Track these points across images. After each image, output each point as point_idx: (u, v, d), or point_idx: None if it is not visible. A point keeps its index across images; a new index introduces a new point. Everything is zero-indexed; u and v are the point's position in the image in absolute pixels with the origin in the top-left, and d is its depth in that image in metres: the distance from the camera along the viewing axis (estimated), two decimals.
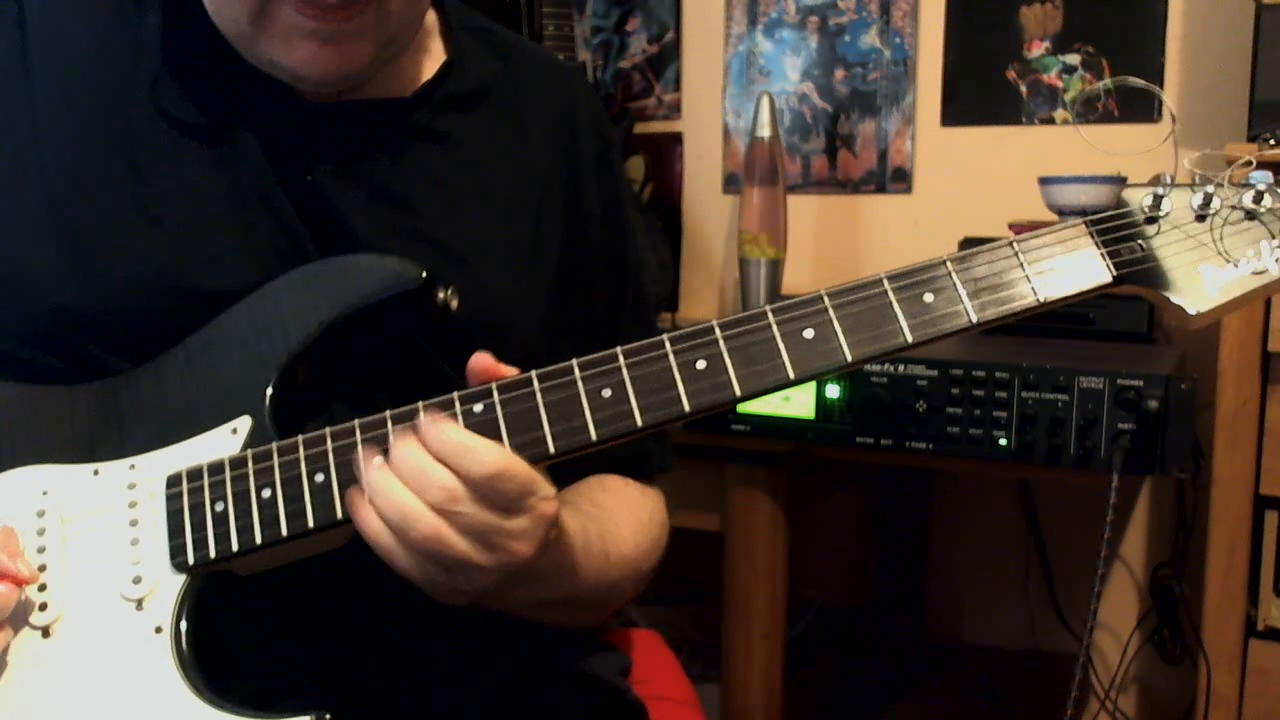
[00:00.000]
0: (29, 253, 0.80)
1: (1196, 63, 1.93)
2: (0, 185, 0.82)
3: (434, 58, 0.92)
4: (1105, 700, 2.02)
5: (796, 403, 1.50)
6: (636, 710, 0.98)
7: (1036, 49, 2.03)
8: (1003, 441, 1.40)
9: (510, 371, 0.74)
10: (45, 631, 0.74)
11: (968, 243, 1.75)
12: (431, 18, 0.94)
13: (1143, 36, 1.95)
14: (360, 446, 0.73)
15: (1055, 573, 2.09)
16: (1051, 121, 2.03)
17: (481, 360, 0.74)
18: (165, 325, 0.80)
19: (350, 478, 0.73)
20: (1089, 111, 2.01)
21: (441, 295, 0.80)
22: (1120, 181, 1.75)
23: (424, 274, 0.79)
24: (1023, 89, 2.04)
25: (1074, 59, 2.00)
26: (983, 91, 2.07)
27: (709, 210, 2.30)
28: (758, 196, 1.96)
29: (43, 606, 0.74)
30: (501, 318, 0.87)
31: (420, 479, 0.70)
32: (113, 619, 0.74)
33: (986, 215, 1.95)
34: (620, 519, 0.90)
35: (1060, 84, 2.02)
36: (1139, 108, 1.96)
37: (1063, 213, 1.77)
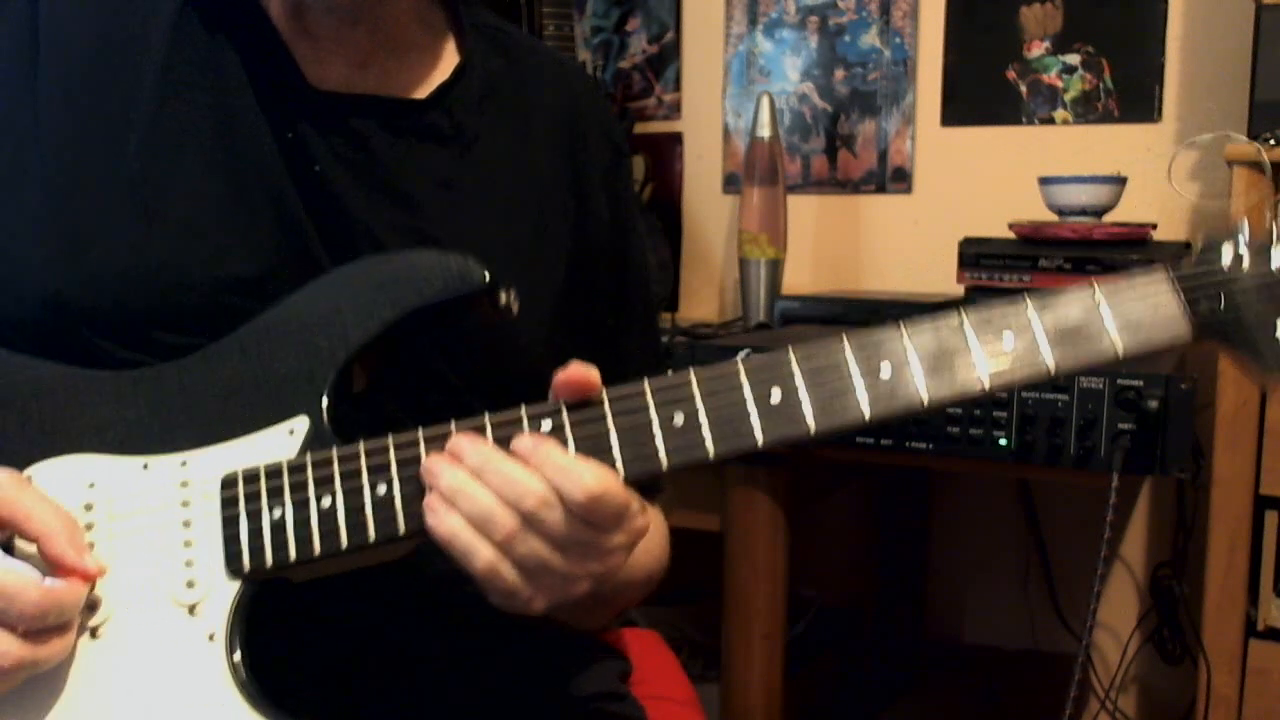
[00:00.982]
0: (28, 249, 0.80)
1: (1196, 63, 1.93)
2: (1, 181, 0.82)
3: (446, 60, 0.92)
4: (1105, 700, 2.02)
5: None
6: (635, 716, 0.98)
7: (1036, 49, 2.03)
8: (1003, 441, 1.40)
9: (596, 377, 0.71)
10: (94, 633, 0.72)
11: (968, 243, 1.76)
12: (443, 19, 0.94)
13: (1143, 36, 1.95)
14: (430, 452, 0.70)
15: (1055, 573, 2.09)
16: (1051, 121, 2.03)
17: (578, 372, 0.71)
18: (168, 321, 0.79)
19: (414, 491, 0.70)
20: (1089, 111, 2.01)
21: (504, 297, 0.78)
22: (1120, 182, 1.75)
23: (488, 275, 0.77)
24: (1023, 89, 2.04)
25: (1074, 59, 2.00)
26: (983, 91, 2.07)
27: (709, 210, 2.30)
28: (758, 196, 1.96)
29: (91, 606, 0.72)
30: (506, 322, 0.87)
31: (514, 489, 0.68)
32: (163, 623, 0.72)
33: (986, 215, 1.95)
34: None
35: (1060, 84, 2.02)
36: (1139, 107, 1.96)
37: (1063, 213, 1.77)
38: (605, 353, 0.73)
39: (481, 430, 0.71)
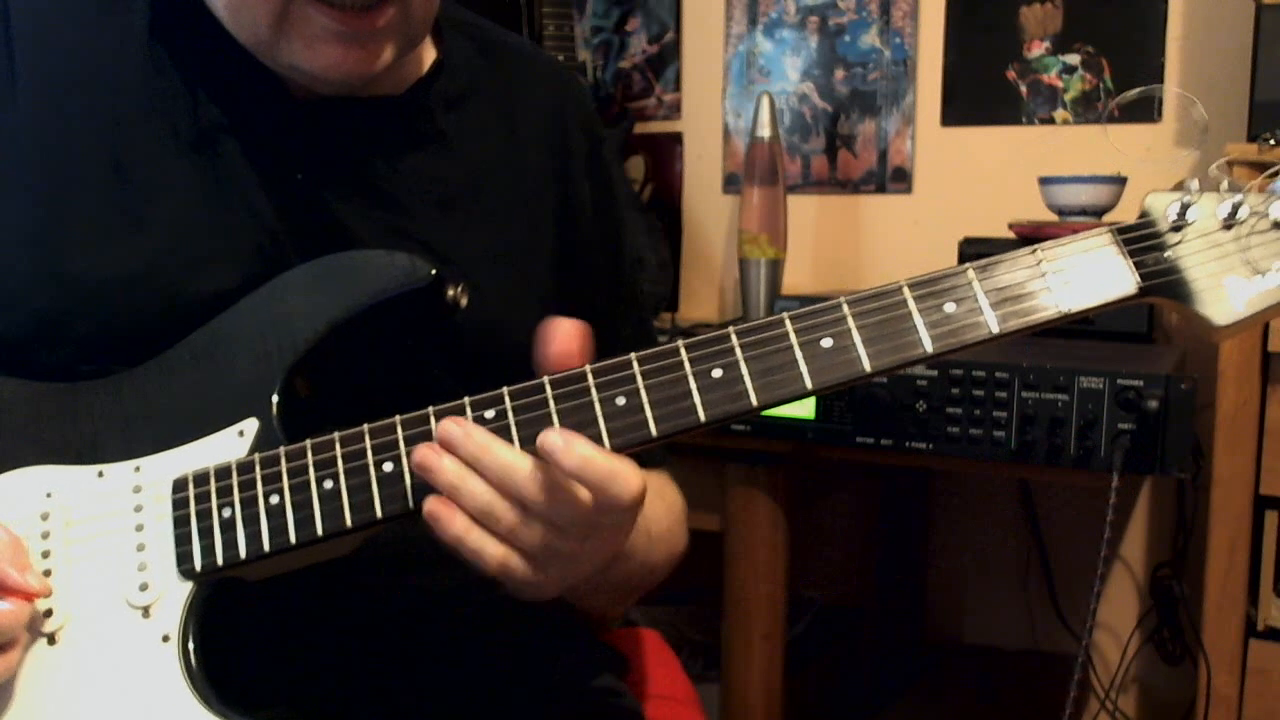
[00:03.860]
0: (9, 259, 0.79)
1: (1196, 63, 1.93)
2: None
3: (423, 55, 0.92)
4: (1105, 700, 2.02)
5: (796, 402, 1.50)
6: (633, 714, 0.98)
7: (1036, 49, 2.03)
8: (1003, 441, 1.40)
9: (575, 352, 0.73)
10: (51, 639, 0.73)
11: (968, 243, 1.76)
12: None
13: (1143, 36, 1.95)
14: (420, 444, 0.71)
15: (1055, 573, 2.09)
16: (1051, 121, 2.03)
17: (563, 327, 0.72)
18: (147, 331, 0.79)
19: (360, 484, 0.71)
20: (1089, 111, 2.01)
21: (451, 293, 0.79)
22: (1120, 182, 1.75)
23: (434, 271, 0.78)
24: (1023, 89, 2.04)
25: (1074, 59, 2.00)
26: (983, 91, 2.07)
27: (709, 210, 2.30)
28: (758, 196, 1.96)
29: (48, 613, 0.73)
30: (496, 319, 0.86)
31: (510, 476, 0.68)
32: (119, 626, 0.73)
33: (986, 215, 1.95)
34: (652, 500, 0.90)
35: (1060, 84, 2.02)
36: (1139, 107, 1.96)
37: (1063, 213, 1.77)
38: (601, 343, 0.73)
39: (425, 421, 0.71)
